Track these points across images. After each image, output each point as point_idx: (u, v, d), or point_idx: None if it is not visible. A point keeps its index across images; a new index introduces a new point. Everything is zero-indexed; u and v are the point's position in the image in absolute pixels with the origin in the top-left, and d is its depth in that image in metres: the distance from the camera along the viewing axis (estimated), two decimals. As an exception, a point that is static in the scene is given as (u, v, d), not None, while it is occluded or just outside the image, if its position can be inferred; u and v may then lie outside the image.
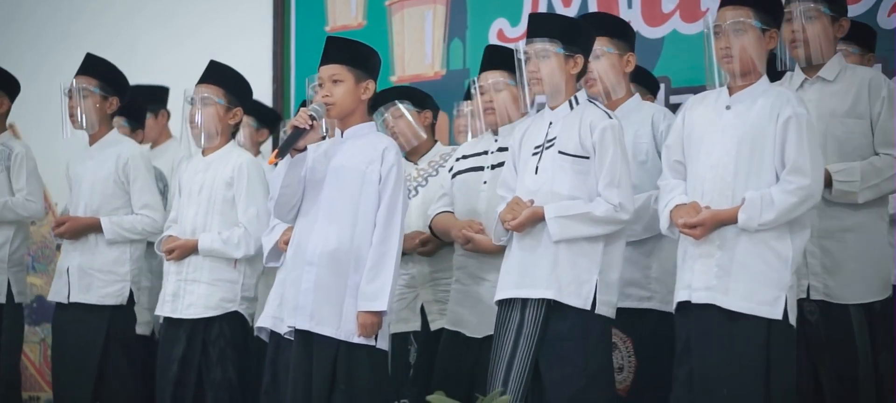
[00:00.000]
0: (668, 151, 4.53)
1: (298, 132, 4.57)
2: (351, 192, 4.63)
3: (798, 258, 4.31)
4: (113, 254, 5.72)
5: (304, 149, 4.63)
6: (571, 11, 6.13)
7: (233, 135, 5.58)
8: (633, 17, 5.98)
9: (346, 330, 4.57)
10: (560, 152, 4.54)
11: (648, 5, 5.96)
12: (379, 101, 5.62)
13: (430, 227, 5.23)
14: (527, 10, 6.27)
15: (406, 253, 5.26)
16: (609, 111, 4.62)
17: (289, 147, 4.56)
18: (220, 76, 5.47)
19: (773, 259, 4.25)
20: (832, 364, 4.57)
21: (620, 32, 5.02)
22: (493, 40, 6.38)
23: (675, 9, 5.90)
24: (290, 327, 4.68)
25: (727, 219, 4.27)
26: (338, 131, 4.78)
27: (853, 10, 5.11)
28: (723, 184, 4.31)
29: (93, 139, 5.85)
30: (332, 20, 6.97)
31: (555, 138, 4.57)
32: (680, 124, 4.51)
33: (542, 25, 4.65)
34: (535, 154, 4.61)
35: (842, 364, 4.57)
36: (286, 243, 4.91)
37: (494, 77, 5.01)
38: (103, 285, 5.71)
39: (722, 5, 4.44)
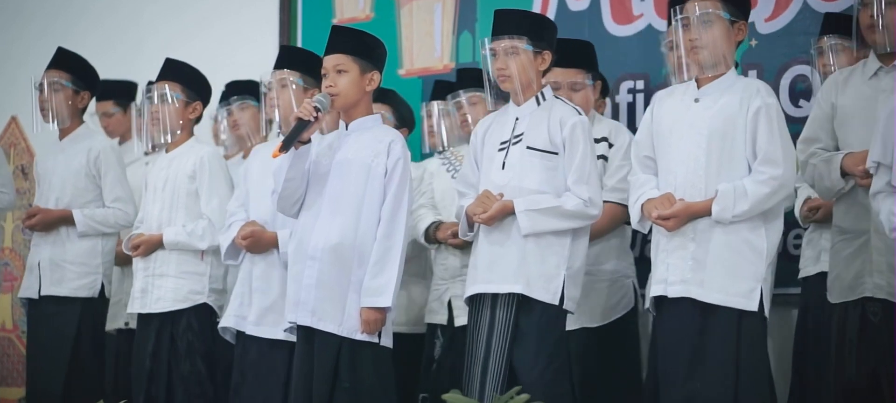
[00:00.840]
0: (636, 147, 4.51)
1: (303, 124, 4.46)
2: (355, 186, 4.53)
3: (772, 250, 4.28)
4: (85, 246, 5.69)
5: (309, 141, 4.53)
6: (583, 4, 6.02)
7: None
8: (645, 9, 5.87)
9: (349, 327, 4.47)
10: (528, 147, 4.53)
11: (662, -5, 5.84)
12: (458, 83, 5.51)
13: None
14: (537, 4, 6.15)
15: (442, 243, 5.20)
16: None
17: (293, 139, 4.46)
18: (177, 72, 5.46)
19: (748, 251, 4.23)
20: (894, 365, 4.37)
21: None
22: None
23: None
24: (291, 323, 4.58)
25: (701, 211, 4.25)
26: (342, 123, 4.68)
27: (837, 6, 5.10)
28: (694, 177, 4.28)
29: (63, 133, 5.82)
30: (340, 13, 6.87)
31: (522, 134, 4.56)
32: (649, 119, 4.48)
33: (508, 22, 4.62)
34: (501, 149, 4.59)
35: None
36: (245, 238, 4.92)
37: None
38: (75, 277, 5.67)
39: None
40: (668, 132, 4.37)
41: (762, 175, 4.20)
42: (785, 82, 5.47)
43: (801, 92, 5.40)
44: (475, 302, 4.58)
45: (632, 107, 5.85)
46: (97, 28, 7.57)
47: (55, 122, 5.76)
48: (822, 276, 4.80)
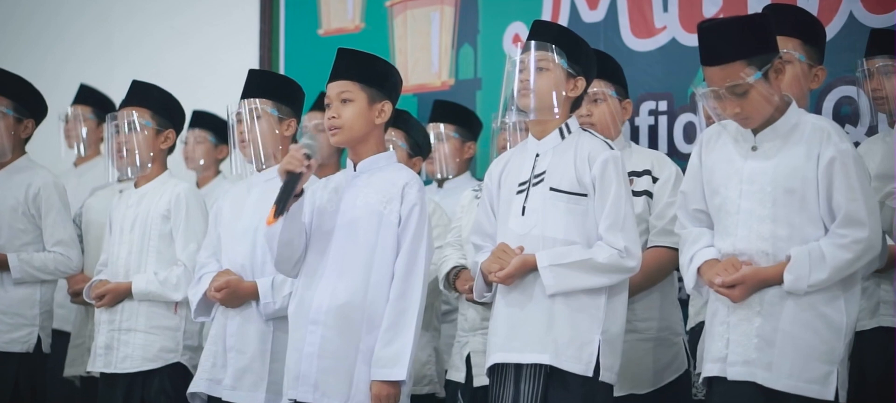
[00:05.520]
0: (684, 198, 3.93)
1: (294, 178, 3.93)
2: (365, 237, 3.99)
3: (852, 324, 3.73)
4: (19, 295, 5.12)
5: (302, 193, 4.00)
6: (598, 15, 5.59)
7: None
8: (669, 20, 5.42)
9: (357, 403, 3.95)
10: (552, 189, 3.94)
11: (687, 8, 5.35)
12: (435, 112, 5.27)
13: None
14: (546, 12, 5.70)
15: (461, 292, 4.63)
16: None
17: (287, 199, 3.92)
18: (146, 96, 4.95)
19: (824, 328, 3.67)
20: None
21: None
22: (508, 46, 5.83)
23: (718, 12, 5.27)
24: (290, 400, 4.03)
25: (770, 279, 3.67)
26: (349, 163, 4.15)
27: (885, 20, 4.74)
28: (759, 240, 3.71)
29: (1, 165, 5.25)
30: (326, 23, 6.48)
31: (544, 172, 3.97)
32: (697, 165, 3.90)
33: (546, 33, 4.06)
34: (520, 192, 4.01)
35: None
36: (218, 290, 4.38)
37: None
38: (8, 329, 5.10)
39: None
40: (722, 186, 3.80)
41: (843, 238, 3.63)
42: (828, 105, 4.99)
43: (845, 115, 4.92)
44: (497, 372, 3.99)
45: (653, 130, 5.40)
46: (67, 31, 7.39)
47: None
48: (879, 331, 4.31)
